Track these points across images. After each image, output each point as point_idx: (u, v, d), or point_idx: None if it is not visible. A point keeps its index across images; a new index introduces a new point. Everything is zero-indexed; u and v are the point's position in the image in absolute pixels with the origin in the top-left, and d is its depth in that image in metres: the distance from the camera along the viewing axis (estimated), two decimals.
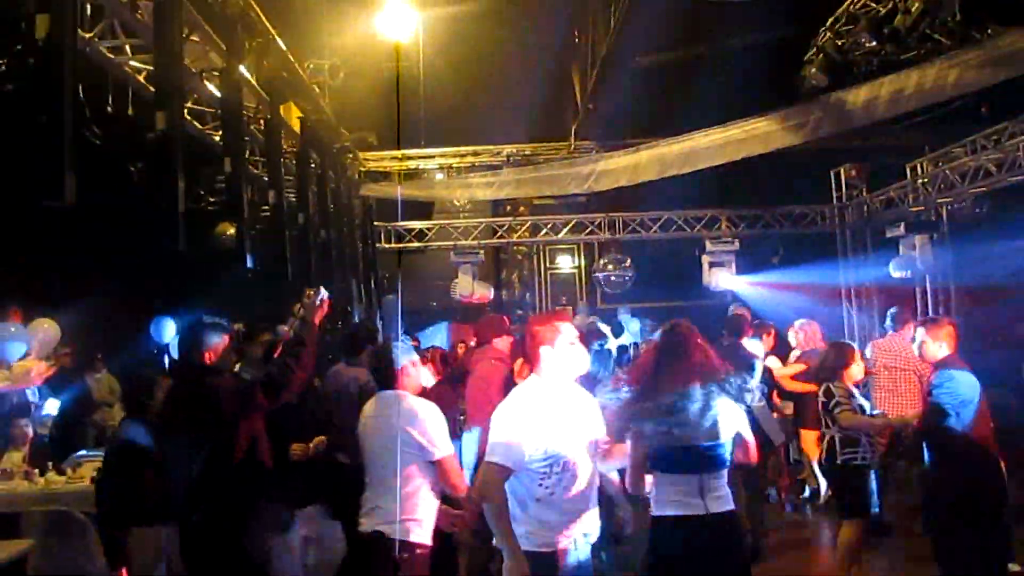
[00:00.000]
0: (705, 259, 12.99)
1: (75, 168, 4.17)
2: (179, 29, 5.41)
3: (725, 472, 3.44)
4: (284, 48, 9.29)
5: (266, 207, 7.51)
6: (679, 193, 12.64)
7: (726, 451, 3.42)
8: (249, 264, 6.13)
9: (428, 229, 12.79)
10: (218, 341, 4.00)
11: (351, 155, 11.78)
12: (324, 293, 3.91)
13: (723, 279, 12.91)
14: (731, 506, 3.41)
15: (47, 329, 8.82)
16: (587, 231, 12.97)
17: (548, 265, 16.16)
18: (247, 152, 8.67)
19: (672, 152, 10.97)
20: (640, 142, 11.64)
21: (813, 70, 10.32)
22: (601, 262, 13.72)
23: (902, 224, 11.77)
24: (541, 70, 13.58)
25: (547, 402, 3.32)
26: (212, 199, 6.54)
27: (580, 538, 3.29)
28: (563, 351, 3.38)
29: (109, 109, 5.87)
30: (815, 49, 9.97)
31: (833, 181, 13.53)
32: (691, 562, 3.34)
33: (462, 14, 12.59)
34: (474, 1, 12.83)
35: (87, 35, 5.81)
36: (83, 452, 9.05)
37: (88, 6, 5.76)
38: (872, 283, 13.05)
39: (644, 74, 11.83)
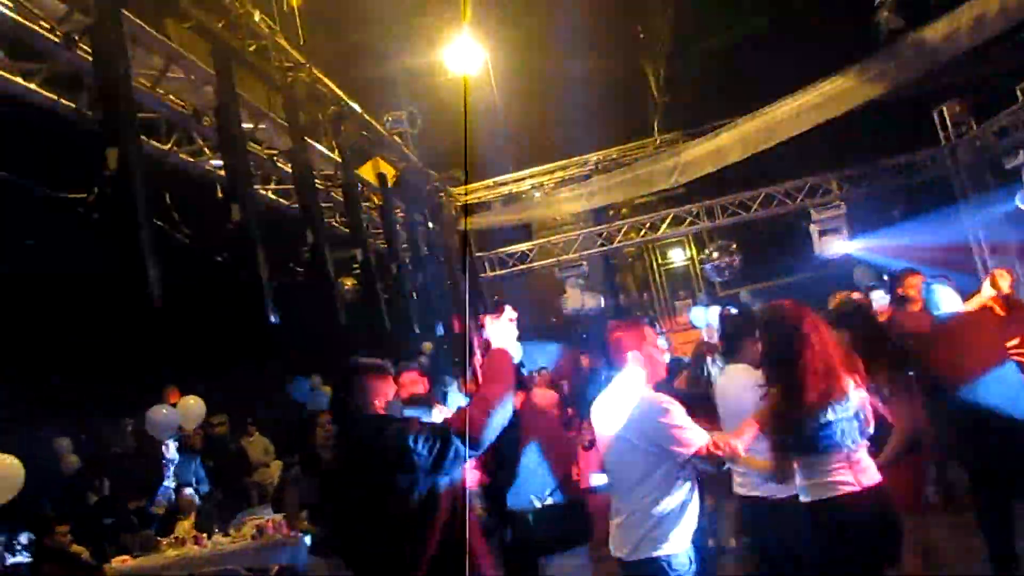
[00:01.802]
0: (813, 228, 12.58)
1: (160, 275, 4.72)
2: (239, 128, 5.99)
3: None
4: (359, 110, 9.90)
5: (356, 266, 8.03)
6: (777, 165, 12.39)
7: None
8: (342, 322, 6.61)
9: (529, 250, 13.09)
10: (383, 384, 3.33)
11: (442, 194, 12.27)
12: (509, 312, 3.40)
13: (836, 245, 12.44)
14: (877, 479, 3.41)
15: (193, 406, 9.73)
16: (687, 222, 12.88)
17: (660, 262, 16.10)
18: (336, 215, 9.32)
19: (752, 129, 10.79)
20: (722, 124, 11.51)
21: (886, 14, 9.97)
22: (706, 251, 13.59)
23: (1020, 152, 11.08)
24: (614, 73, 13.66)
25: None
26: (300, 269, 7.08)
27: None
28: (648, 354, 3.57)
29: (195, 207, 6.53)
30: None
31: (938, 121, 12.79)
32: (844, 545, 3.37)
33: (526, 37, 12.92)
34: (536, 23, 13.15)
35: (166, 147, 6.52)
36: (247, 511, 9.92)
37: (164, 123, 6.49)
38: (1004, 219, 12.20)
39: (713, 55, 11.75)
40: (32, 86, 5.27)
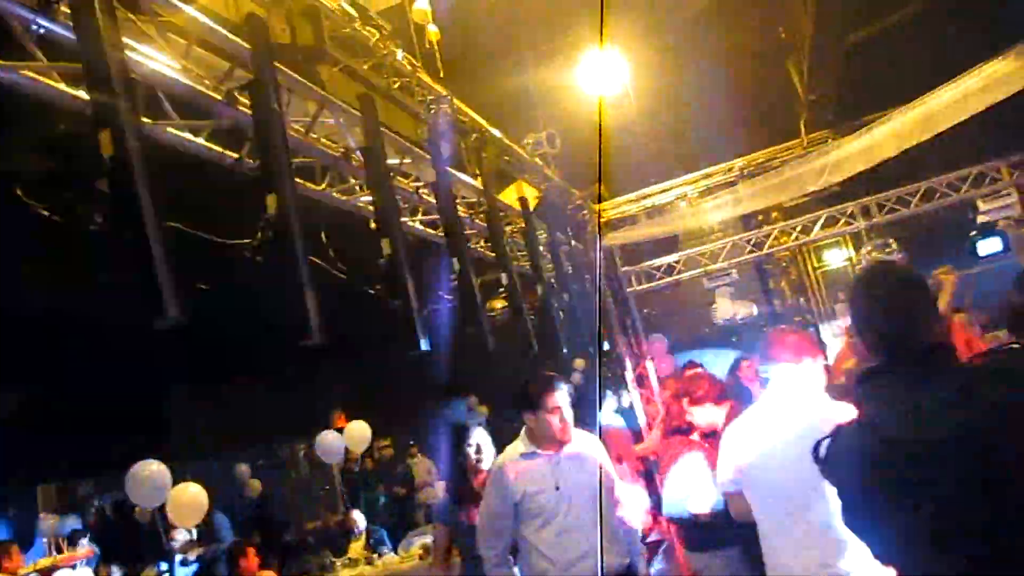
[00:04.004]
0: (981, 220, 11.70)
1: (319, 311, 5.01)
2: (384, 169, 6.28)
3: None
4: (499, 135, 10.13)
5: (502, 289, 8.20)
6: (937, 156, 11.64)
7: None
8: (490, 347, 6.76)
9: (676, 262, 12.88)
10: None
11: (585, 211, 12.32)
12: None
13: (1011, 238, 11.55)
14: None
15: (359, 430, 10.21)
16: (841, 223, 12.29)
17: (815, 264, 15.42)
18: (481, 241, 9.56)
19: (907, 122, 10.22)
20: (874, 118, 10.99)
21: None
22: (863, 251, 12.89)
23: None
24: (756, 75, 13.32)
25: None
26: (448, 296, 7.31)
27: None
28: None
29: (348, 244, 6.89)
30: None
31: None
32: None
33: (664, 45, 12.83)
34: (675, 29, 13.04)
35: (319, 187, 6.92)
36: (414, 531, 10.30)
37: (318, 166, 6.90)
38: None
39: (859, 48, 11.21)
40: (200, 140, 5.74)
